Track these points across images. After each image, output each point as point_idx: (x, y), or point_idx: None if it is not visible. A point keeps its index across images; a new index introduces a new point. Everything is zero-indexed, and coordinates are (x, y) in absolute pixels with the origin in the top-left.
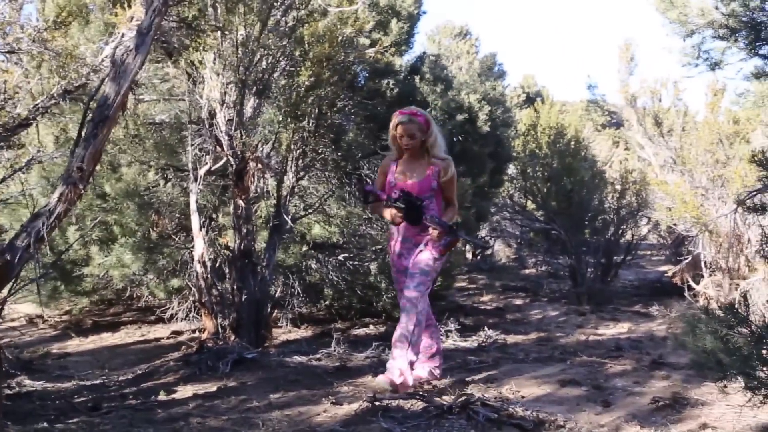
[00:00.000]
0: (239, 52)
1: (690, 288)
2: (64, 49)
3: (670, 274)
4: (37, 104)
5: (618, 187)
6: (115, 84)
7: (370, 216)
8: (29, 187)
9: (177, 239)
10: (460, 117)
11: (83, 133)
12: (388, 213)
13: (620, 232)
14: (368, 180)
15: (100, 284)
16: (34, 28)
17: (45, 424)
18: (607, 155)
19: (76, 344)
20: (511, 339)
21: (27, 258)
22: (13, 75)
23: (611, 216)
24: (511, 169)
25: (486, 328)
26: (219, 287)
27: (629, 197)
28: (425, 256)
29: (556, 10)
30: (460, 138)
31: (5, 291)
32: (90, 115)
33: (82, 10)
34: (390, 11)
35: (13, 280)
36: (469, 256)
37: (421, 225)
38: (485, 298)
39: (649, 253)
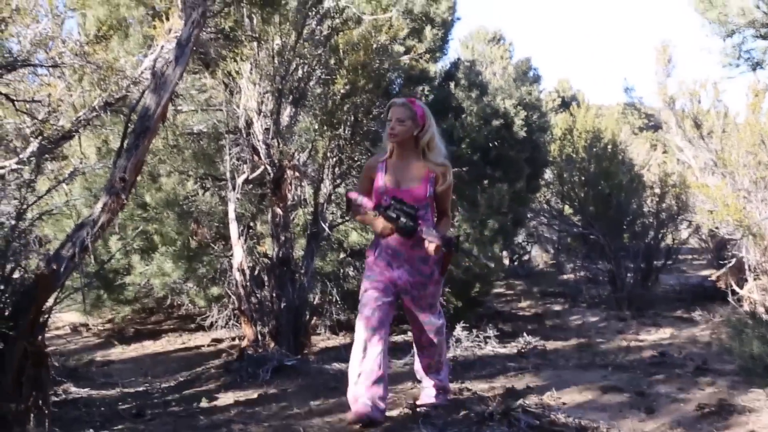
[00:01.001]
0: (275, 61)
1: (734, 292)
2: (105, 63)
3: (713, 278)
4: (79, 116)
5: (657, 190)
6: (155, 95)
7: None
8: (73, 197)
9: (216, 248)
10: (495, 122)
11: (125, 144)
12: (379, 223)
13: (660, 236)
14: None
15: (141, 293)
16: (76, 42)
17: (91, 431)
18: (645, 158)
19: (118, 352)
20: (551, 345)
21: (72, 268)
22: (56, 88)
23: (650, 220)
24: (548, 174)
25: (525, 334)
26: (258, 295)
27: (669, 201)
28: (431, 290)
29: (591, 12)
30: (496, 143)
31: (51, 300)
32: (131, 126)
33: (122, 24)
34: (424, 18)
35: (59, 290)
36: (506, 261)
37: (415, 238)
38: (523, 304)
39: (690, 257)
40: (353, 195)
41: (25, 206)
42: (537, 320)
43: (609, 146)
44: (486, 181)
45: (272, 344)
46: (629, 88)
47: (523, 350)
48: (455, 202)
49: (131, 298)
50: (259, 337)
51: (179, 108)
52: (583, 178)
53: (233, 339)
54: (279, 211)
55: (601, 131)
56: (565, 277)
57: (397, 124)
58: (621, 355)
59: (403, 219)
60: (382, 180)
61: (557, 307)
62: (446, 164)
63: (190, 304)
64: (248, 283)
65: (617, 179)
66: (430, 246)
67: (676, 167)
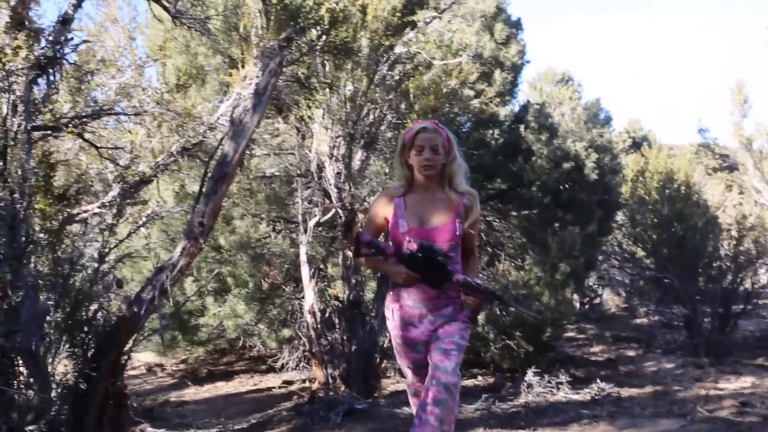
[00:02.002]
0: (347, 106)
1: None
2: (184, 110)
3: None
4: (158, 162)
5: (734, 232)
6: (233, 142)
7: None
8: (151, 240)
9: (287, 290)
10: (566, 165)
11: (203, 190)
12: (400, 271)
13: (738, 280)
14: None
15: (214, 334)
16: (156, 90)
17: None
18: (720, 200)
19: (192, 392)
20: (626, 392)
21: (152, 310)
22: (137, 135)
23: (728, 263)
24: (620, 216)
25: (598, 380)
26: (328, 337)
27: (747, 243)
28: (457, 326)
29: (661, 51)
30: (567, 186)
31: (130, 341)
32: (209, 172)
33: (200, 72)
34: (494, 62)
35: (138, 331)
36: (576, 305)
37: (443, 288)
38: (595, 349)
39: None
40: (366, 238)
41: (106, 249)
42: (610, 366)
43: (682, 187)
44: (557, 224)
45: (343, 387)
46: (703, 128)
47: (596, 397)
48: (525, 245)
49: (205, 339)
50: (330, 379)
51: (253, 152)
52: (655, 220)
53: (304, 381)
54: (350, 254)
55: (673, 172)
56: (638, 321)
57: (433, 155)
58: (700, 404)
59: (432, 269)
60: (402, 220)
61: (631, 353)
62: (472, 192)
63: (261, 346)
64: (319, 326)
65: (691, 221)
66: (468, 299)
67: (753, 209)
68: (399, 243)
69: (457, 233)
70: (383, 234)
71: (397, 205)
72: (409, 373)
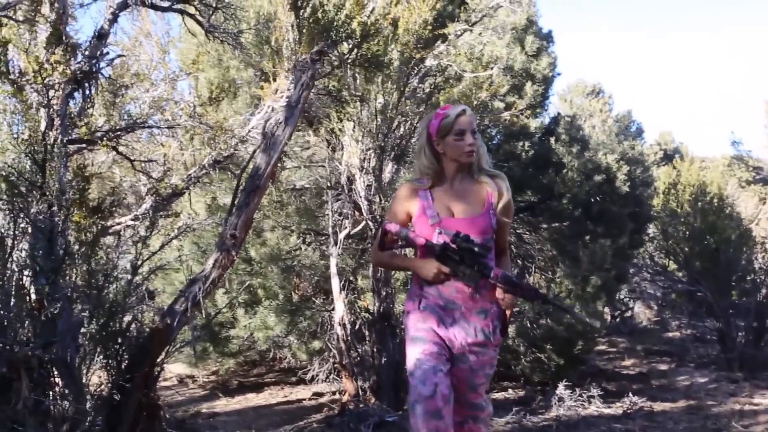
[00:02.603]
0: (378, 119)
1: None
2: (216, 123)
3: None
4: (190, 174)
5: None
6: (265, 155)
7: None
8: (183, 252)
9: (317, 302)
10: (597, 178)
11: (236, 202)
12: (430, 268)
13: None
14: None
15: (245, 345)
16: (189, 103)
17: None
18: (754, 212)
19: (223, 404)
20: (658, 407)
21: (184, 322)
22: (170, 148)
23: (762, 276)
24: (651, 229)
25: (630, 394)
26: (359, 349)
27: None
28: (491, 355)
29: (692, 63)
30: (598, 199)
31: (163, 353)
32: (242, 184)
33: (231, 85)
34: (524, 74)
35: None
36: (608, 318)
37: (478, 286)
38: (627, 363)
39: None
40: (393, 227)
41: (140, 261)
42: (642, 379)
43: (715, 200)
44: (588, 237)
45: (373, 399)
46: (737, 141)
47: (629, 411)
48: (556, 257)
49: (235, 350)
50: (360, 391)
51: (284, 165)
52: (688, 233)
53: (334, 393)
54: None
55: (706, 184)
56: (670, 334)
57: (473, 137)
58: (734, 420)
59: (468, 262)
60: (430, 210)
61: (663, 366)
62: (500, 173)
63: (291, 358)
64: (349, 338)
65: (725, 234)
66: (507, 297)
67: None
68: (428, 234)
69: (492, 225)
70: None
71: (422, 197)
72: (425, 359)
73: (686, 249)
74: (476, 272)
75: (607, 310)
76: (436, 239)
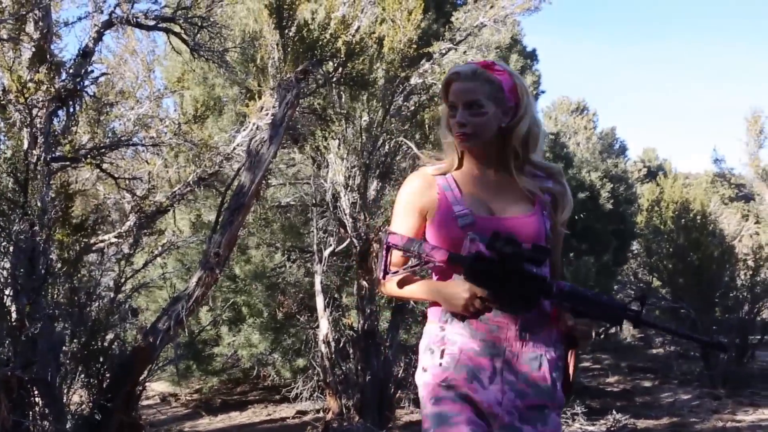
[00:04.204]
0: (363, 137)
1: None
2: (201, 140)
3: None
4: (175, 191)
5: (750, 263)
6: (250, 173)
7: None
8: (167, 270)
9: (302, 319)
10: (581, 195)
11: (220, 220)
12: (459, 292)
13: (755, 310)
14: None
15: (228, 363)
16: (173, 121)
17: None
18: (736, 229)
19: (206, 423)
20: (642, 424)
21: (167, 340)
22: (155, 165)
23: (744, 293)
24: (635, 246)
25: (614, 411)
26: (343, 367)
27: (764, 273)
28: (554, 424)
29: (676, 80)
30: (582, 216)
31: (145, 371)
32: (226, 202)
33: (217, 103)
34: None
35: (154, 361)
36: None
37: (534, 315)
38: (611, 380)
39: None
40: (398, 239)
41: (123, 279)
42: (626, 396)
43: (698, 217)
44: (572, 254)
45: (357, 417)
46: (719, 158)
47: (612, 428)
48: None
49: (219, 368)
50: (344, 410)
51: (269, 182)
52: (671, 250)
53: (318, 411)
54: (365, 283)
55: (689, 201)
56: (654, 351)
57: (468, 112)
58: None
59: (516, 279)
60: (460, 206)
61: (647, 383)
62: (556, 168)
63: (275, 376)
64: (333, 356)
65: (708, 251)
66: (583, 328)
67: None
68: (457, 243)
69: (547, 231)
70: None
71: (443, 187)
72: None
73: (669, 266)
74: (529, 292)
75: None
76: (467, 249)
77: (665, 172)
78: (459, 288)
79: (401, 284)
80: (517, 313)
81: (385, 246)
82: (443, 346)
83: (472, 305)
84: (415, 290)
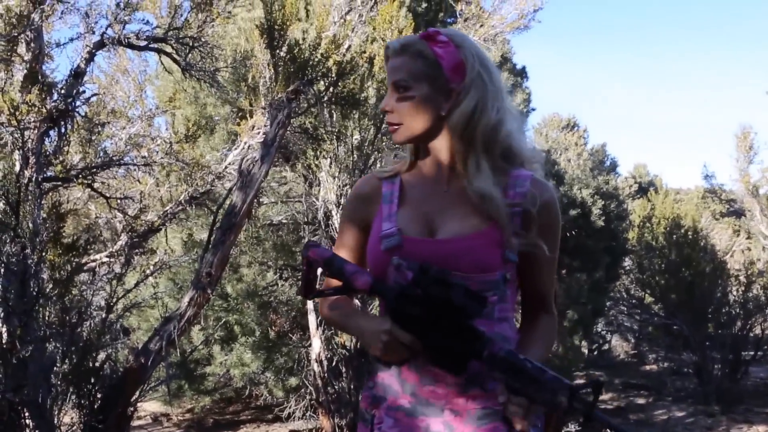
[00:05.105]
0: (354, 155)
1: None
2: (192, 159)
3: None
4: (166, 211)
5: (743, 278)
6: (242, 193)
7: None
8: (159, 289)
9: (294, 338)
10: (573, 212)
11: (211, 240)
12: (379, 334)
13: (748, 326)
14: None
15: (221, 383)
16: (165, 140)
17: None
18: (728, 244)
19: None
20: None
21: (159, 361)
22: (146, 185)
23: (737, 309)
24: (627, 262)
25: (608, 429)
26: (336, 386)
27: (756, 289)
28: None
29: (666, 96)
30: (573, 233)
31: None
32: (218, 222)
33: (208, 122)
34: None
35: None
36: (585, 352)
37: (472, 373)
38: (605, 397)
39: None
40: (317, 252)
41: (115, 299)
42: (620, 414)
43: (689, 233)
44: (564, 271)
45: None
46: (709, 175)
47: None
48: None
49: (211, 388)
50: (337, 429)
51: (260, 201)
52: (663, 266)
53: (311, 430)
54: (356, 302)
55: (680, 217)
56: (647, 367)
57: (396, 96)
58: None
59: (446, 327)
60: (389, 222)
61: (641, 400)
62: (541, 181)
63: (268, 395)
64: (326, 374)
65: (699, 267)
66: (515, 413)
67: (762, 254)
68: (380, 269)
69: (505, 255)
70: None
71: (384, 196)
72: None
73: (662, 282)
74: (460, 347)
75: (584, 343)
76: (392, 278)
77: (656, 188)
78: (379, 327)
79: (333, 308)
80: (449, 370)
81: (304, 260)
82: (374, 410)
83: (393, 351)
84: (340, 320)
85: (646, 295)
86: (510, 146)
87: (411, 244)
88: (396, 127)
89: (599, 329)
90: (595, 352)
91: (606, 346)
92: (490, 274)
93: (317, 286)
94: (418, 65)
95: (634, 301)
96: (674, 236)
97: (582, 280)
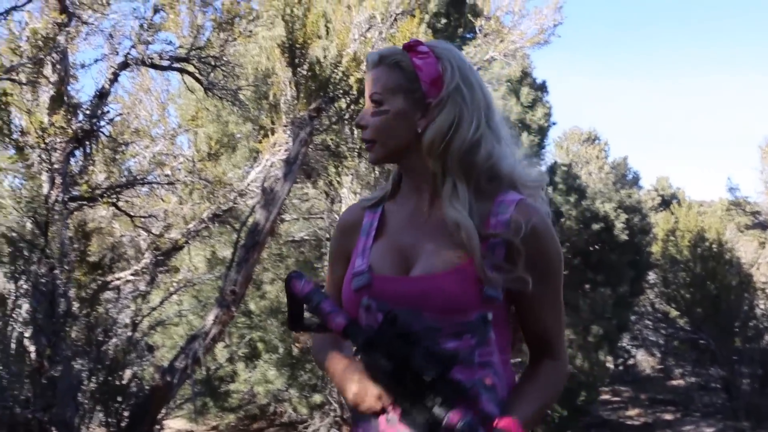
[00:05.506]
0: (375, 171)
1: None
2: (215, 177)
3: None
4: (189, 228)
5: None
6: (265, 211)
7: None
8: (183, 307)
9: None
10: (595, 226)
11: (235, 258)
12: (351, 386)
13: None
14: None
15: (245, 400)
16: (188, 158)
17: None
18: (753, 257)
19: None
20: None
21: (185, 379)
22: (169, 203)
23: (765, 323)
24: (652, 276)
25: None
26: None
27: None
28: None
29: (687, 108)
30: (596, 247)
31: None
32: (241, 239)
33: (230, 140)
34: (521, 125)
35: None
36: (610, 367)
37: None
38: (631, 413)
39: None
40: (299, 286)
41: (139, 317)
42: (647, 430)
43: (714, 245)
44: (588, 286)
45: None
46: (734, 187)
47: None
48: None
49: (235, 405)
50: None
51: (283, 218)
52: (688, 280)
53: None
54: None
55: (705, 230)
56: (674, 382)
57: (371, 110)
58: None
59: (409, 384)
60: (361, 258)
61: (668, 416)
62: (529, 204)
63: (292, 412)
64: None
65: (725, 280)
66: None
67: None
68: (353, 310)
69: (484, 292)
70: None
71: (364, 227)
72: None
73: (687, 296)
74: (420, 410)
75: (609, 358)
76: (364, 320)
77: (679, 201)
78: (352, 376)
79: (318, 348)
80: (411, 426)
81: (286, 286)
82: None
83: (363, 402)
84: (321, 361)
85: (672, 309)
86: (492, 167)
87: (381, 283)
88: (370, 144)
89: (624, 344)
90: (620, 367)
91: (631, 361)
92: (465, 315)
93: (306, 318)
94: (395, 77)
95: (659, 315)
96: (699, 249)
97: (606, 294)
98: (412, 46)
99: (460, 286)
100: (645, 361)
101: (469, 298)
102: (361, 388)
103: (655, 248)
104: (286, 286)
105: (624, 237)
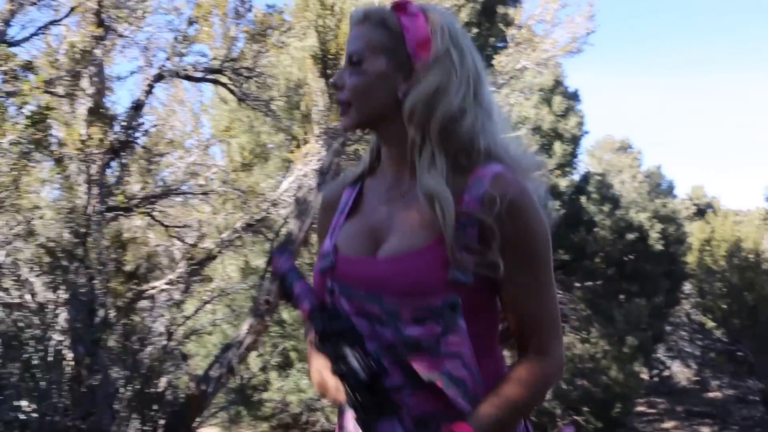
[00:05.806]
0: None
1: None
2: (248, 187)
3: None
4: (223, 238)
5: None
6: (298, 221)
7: None
8: (217, 317)
9: None
10: (630, 236)
11: (269, 268)
12: (317, 366)
13: None
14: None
15: (278, 409)
16: (221, 168)
17: None
18: None
19: None
20: None
21: (220, 387)
22: (203, 212)
23: None
24: (687, 287)
25: None
26: None
27: None
28: None
29: (722, 116)
30: (631, 257)
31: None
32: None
33: (263, 150)
34: (553, 134)
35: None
36: (645, 378)
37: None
38: (668, 425)
39: None
40: (278, 264)
41: (174, 326)
42: None
43: (751, 255)
44: (622, 296)
45: None
46: None
47: None
48: (590, 317)
49: (269, 414)
50: None
51: (314, 226)
52: (725, 290)
53: None
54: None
55: (741, 239)
56: (711, 395)
57: (348, 71)
58: None
59: (351, 381)
60: (329, 239)
61: (706, 429)
62: (506, 176)
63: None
64: None
65: (763, 290)
66: None
67: None
68: (321, 293)
69: (452, 276)
70: None
71: (341, 205)
72: None
73: (724, 306)
74: (362, 408)
75: (644, 369)
76: (330, 304)
77: (714, 210)
78: (315, 362)
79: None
80: (359, 421)
81: (277, 264)
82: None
83: (325, 393)
84: (309, 350)
85: (708, 320)
86: (474, 141)
87: (344, 265)
88: (343, 105)
89: (659, 355)
90: (656, 379)
91: (666, 373)
92: (428, 300)
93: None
94: (378, 36)
95: (695, 326)
96: (735, 259)
97: (641, 305)
98: (401, 5)
99: (423, 269)
100: (681, 372)
101: (432, 282)
102: (321, 380)
103: (691, 258)
104: (274, 264)
105: (659, 247)
